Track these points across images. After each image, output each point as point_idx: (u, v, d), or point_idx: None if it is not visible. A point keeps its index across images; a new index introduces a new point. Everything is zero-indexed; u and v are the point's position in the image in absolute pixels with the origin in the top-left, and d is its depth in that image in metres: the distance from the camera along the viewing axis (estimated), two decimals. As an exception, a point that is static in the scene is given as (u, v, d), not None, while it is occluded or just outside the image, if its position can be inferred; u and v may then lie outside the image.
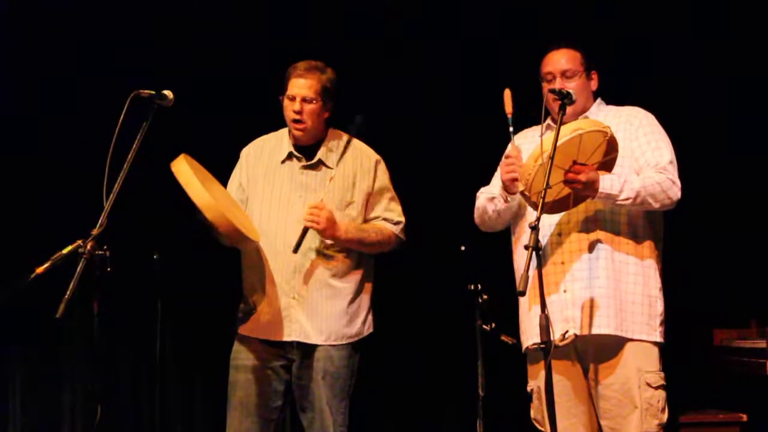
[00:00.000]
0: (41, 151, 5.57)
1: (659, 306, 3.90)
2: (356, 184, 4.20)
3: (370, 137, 4.32)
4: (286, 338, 4.10)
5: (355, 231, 4.12)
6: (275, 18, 5.63)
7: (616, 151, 3.77)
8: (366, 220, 4.21)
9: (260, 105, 4.67)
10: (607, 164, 3.78)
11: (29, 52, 5.56)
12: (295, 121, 4.15)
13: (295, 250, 4.03)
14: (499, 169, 4.16)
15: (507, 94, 3.93)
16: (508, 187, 3.89)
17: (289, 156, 4.22)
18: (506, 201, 3.95)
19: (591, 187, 3.71)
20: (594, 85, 4.05)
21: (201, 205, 3.84)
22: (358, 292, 4.19)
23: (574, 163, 3.69)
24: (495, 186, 4.10)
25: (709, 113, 5.47)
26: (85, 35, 5.54)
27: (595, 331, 3.80)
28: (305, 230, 4.03)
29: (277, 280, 4.12)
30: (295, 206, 4.15)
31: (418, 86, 5.65)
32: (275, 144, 4.29)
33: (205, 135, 5.20)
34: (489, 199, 4.04)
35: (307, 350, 4.11)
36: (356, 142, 4.26)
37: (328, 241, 4.10)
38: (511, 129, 3.92)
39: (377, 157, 4.29)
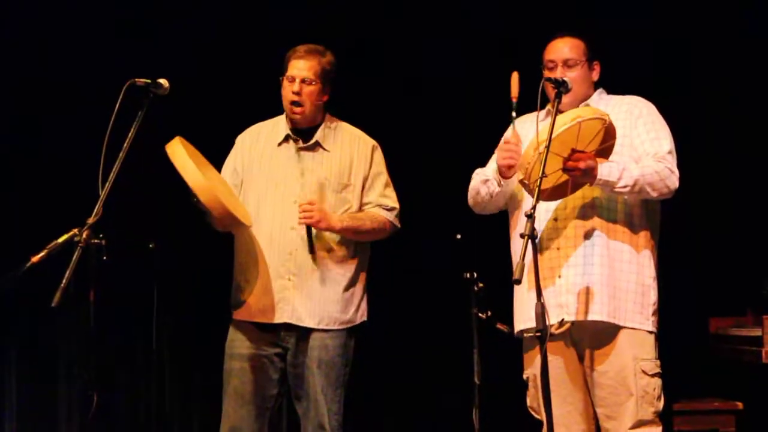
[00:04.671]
0: (40, 143, 5.56)
1: (652, 295, 3.91)
2: (353, 168, 4.21)
3: (366, 124, 4.33)
4: (278, 320, 4.11)
5: (349, 220, 4.12)
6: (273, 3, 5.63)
7: (614, 138, 3.77)
8: (361, 206, 4.22)
9: (256, 92, 4.67)
10: (605, 151, 3.79)
11: (27, 48, 5.56)
12: (294, 103, 4.16)
13: (311, 250, 4.07)
14: (495, 152, 4.16)
15: (515, 77, 3.86)
16: (503, 172, 3.89)
17: (286, 138, 4.23)
18: (500, 185, 3.95)
19: (590, 174, 3.72)
20: (596, 75, 4.05)
21: (195, 188, 3.84)
22: (353, 279, 4.19)
23: (573, 151, 3.69)
24: (490, 168, 4.10)
25: (709, 106, 5.48)
26: (79, 24, 5.54)
27: (590, 317, 3.81)
28: (309, 229, 4.06)
29: (273, 262, 4.13)
30: (292, 188, 4.16)
31: (414, 74, 5.64)
32: (272, 128, 4.30)
33: (200, 123, 5.19)
34: (483, 181, 4.03)
35: (301, 337, 4.12)
36: (353, 128, 4.30)
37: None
38: (513, 114, 3.89)
39: (374, 142, 4.30)
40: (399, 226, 4.28)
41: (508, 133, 3.91)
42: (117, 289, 4.78)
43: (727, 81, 5.49)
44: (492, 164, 4.10)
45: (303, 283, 4.12)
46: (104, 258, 3.40)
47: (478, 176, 4.08)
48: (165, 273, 4.54)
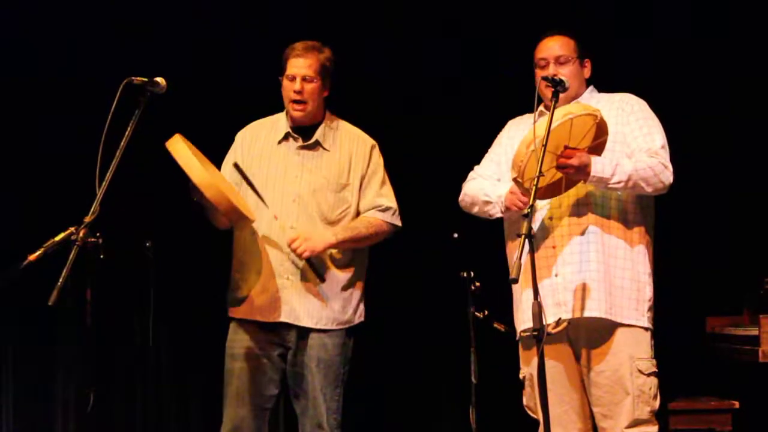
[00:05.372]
0: (37, 142, 5.56)
1: (648, 291, 3.91)
2: (352, 167, 4.20)
3: (365, 124, 4.33)
4: (276, 319, 4.10)
5: (343, 232, 4.11)
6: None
7: (606, 134, 3.78)
8: (358, 212, 4.21)
9: (254, 91, 4.68)
10: (597, 148, 3.79)
11: (24, 46, 5.56)
12: (296, 101, 4.14)
13: (322, 279, 4.07)
14: (490, 151, 4.17)
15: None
16: (509, 210, 3.90)
17: (286, 136, 4.22)
18: (502, 213, 3.97)
19: (583, 170, 3.72)
20: (587, 72, 4.06)
21: (199, 184, 3.82)
22: (352, 279, 4.18)
23: (566, 147, 3.69)
24: (486, 168, 4.10)
25: (707, 103, 5.49)
26: (76, 22, 5.54)
27: (586, 314, 3.81)
28: (308, 261, 4.05)
29: (272, 261, 4.12)
30: (291, 186, 4.15)
31: (412, 74, 5.64)
32: (271, 126, 4.29)
33: (198, 121, 5.19)
34: (484, 202, 4.03)
35: (300, 335, 4.11)
36: (353, 127, 4.29)
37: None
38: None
39: (373, 141, 4.29)
40: (399, 224, 4.26)
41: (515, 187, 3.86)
42: (114, 287, 4.78)
43: (726, 77, 5.49)
44: (489, 167, 4.11)
45: (301, 283, 4.11)
46: (101, 257, 3.40)
47: (477, 185, 4.07)
48: (162, 272, 4.53)
